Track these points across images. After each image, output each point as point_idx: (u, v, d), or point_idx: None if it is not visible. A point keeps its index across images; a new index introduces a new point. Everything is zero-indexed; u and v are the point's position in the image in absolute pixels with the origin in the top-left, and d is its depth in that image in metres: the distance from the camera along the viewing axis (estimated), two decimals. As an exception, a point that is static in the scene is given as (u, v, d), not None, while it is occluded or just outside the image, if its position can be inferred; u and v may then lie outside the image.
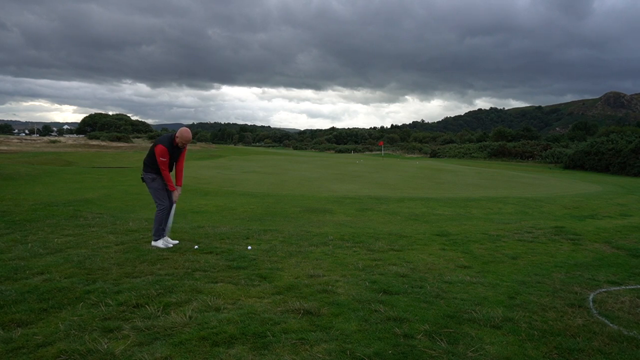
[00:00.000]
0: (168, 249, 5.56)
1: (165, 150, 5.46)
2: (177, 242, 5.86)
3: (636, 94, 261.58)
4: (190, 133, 5.68)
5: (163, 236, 5.69)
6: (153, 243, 5.63)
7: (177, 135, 5.61)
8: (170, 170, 5.71)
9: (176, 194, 5.78)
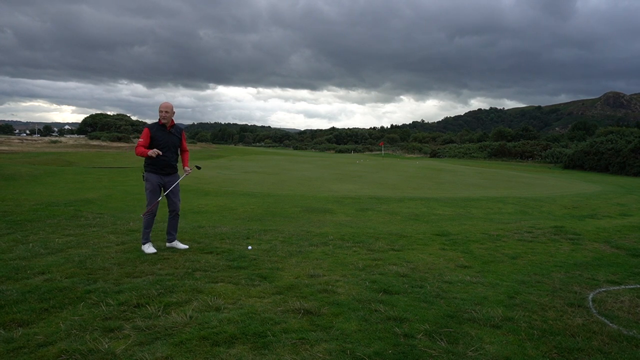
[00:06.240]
0: (168, 249, 5.56)
1: (146, 130, 5.33)
2: (186, 246, 5.64)
3: (635, 94, 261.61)
4: (167, 102, 5.44)
5: (149, 240, 5.46)
6: (142, 247, 5.45)
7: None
8: (172, 156, 5.50)
9: (187, 170, 5.67)
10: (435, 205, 10.97)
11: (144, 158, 5.40)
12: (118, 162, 26.33)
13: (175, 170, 5.60)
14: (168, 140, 5.42)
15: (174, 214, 5.61)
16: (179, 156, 5.76)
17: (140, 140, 5.33)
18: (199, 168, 6.43)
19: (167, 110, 5.37)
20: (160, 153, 5.29)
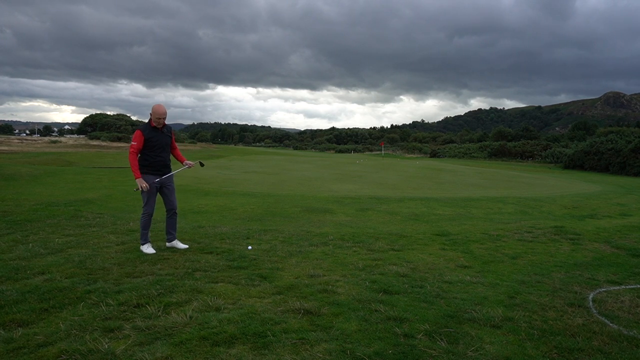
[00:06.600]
0: (168, 249, 5.56)
1: (139, 133, 5.26)
2: (186, 246, 5.65)
3: (636, 94, 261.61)
4: (161, 107, 5.33)
5: (148, 241, 5.45)
6: (140, 247, 5.46)
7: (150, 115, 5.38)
8: (166, 156, 5.49)
9: (189, 163, 5.66)
10: (435, 205, 10.96)
11: (138, 158, 5.37)
12: (118, 162, 26.33)
13: (170, 169, 5.61)
14: (162, 141, 5.42)
15: (171, 213, 5.61)
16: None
17: (133, 143, 5.28)
18: (202, 165, 6.46)
19: (163, 117, 5.34)
20: (148, 188, 5.30)
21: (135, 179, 5.26)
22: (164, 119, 5.36)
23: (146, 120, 5.58)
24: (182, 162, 5.73)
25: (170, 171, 5.58)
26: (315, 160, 35.99)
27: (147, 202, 5.40)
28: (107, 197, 10.76)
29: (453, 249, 6.08)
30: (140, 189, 5.31)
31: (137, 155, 5.31)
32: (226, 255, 5.26)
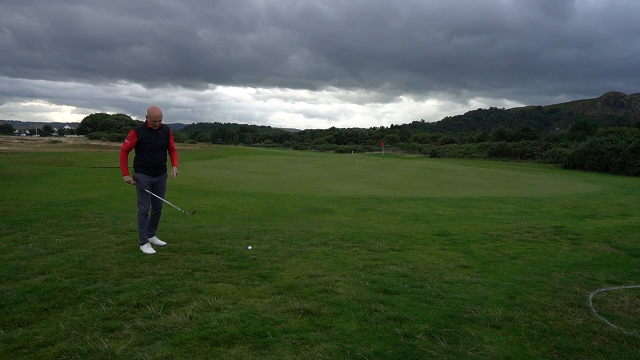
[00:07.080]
0: (169, 248, 5.56)
1: (133, 133, 5.29)
2: (164, 243, 5.73)
3: (636, 94, 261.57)
4: (157, 109, 5.28)
5: (147, 240, 5.49)
6: (140, 247, 5.48)
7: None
8: (160, 157, 5.47)
9: (174, 171, 5.63)
10: (435, 205, 10.96)
11: (133, 158, 5.47)
12: (118, 162, 26.32)
13: (165, 170, 5.63)
14: (157, 143, 5.40)
15: (156, 212, 5.71)
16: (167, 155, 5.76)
17: (126, 142, 5.34)
18: (194, 213, 6.76)
19: (159, 120, 5.31)
20: (134, 183, 5.39)
21: (123, 175, 5.39)
22: (160, 121, 5.34)
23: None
24: (172, 166, 5.71)
25: (164, 172, 5.62)
26: (315, 160, 36.00)
27: (142, 202, 5.45)
28: (107, 197, 10.76)
29: (453, 249, 6.08)
30: (137, 185, 5.41)
31: (127, 153, 5.36)
32: (226, 255, 5.26)
